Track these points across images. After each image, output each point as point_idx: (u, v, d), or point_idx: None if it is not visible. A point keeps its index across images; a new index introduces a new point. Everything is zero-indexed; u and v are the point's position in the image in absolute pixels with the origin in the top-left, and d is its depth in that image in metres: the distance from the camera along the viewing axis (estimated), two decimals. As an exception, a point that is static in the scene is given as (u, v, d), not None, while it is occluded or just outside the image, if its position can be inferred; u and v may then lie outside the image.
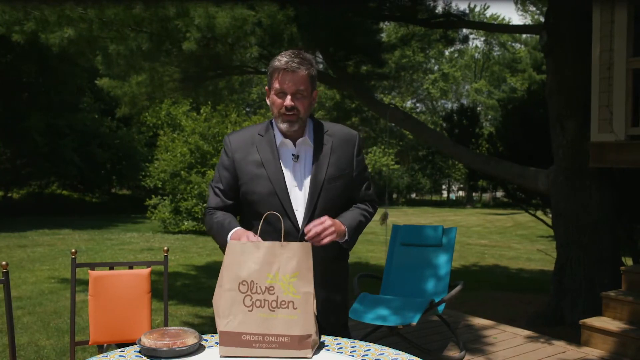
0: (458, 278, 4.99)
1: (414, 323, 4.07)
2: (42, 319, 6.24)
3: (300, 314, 1.87)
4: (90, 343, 2.77)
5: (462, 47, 39.89)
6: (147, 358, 1.86)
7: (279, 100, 2.14)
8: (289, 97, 2.12)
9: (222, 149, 2.31)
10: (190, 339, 1.91)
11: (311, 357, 1.86)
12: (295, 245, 1.90)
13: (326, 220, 2.03)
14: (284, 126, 2.17)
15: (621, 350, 4.65)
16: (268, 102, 2.22)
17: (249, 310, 1.87)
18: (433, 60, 43.84)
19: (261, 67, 8.57)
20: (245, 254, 1.89)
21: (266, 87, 2.23)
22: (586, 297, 5.75)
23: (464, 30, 9.65)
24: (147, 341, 1.88)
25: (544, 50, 6.34)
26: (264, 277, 1.88)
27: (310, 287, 1.88)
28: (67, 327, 5.79)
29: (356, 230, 2.23)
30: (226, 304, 1.88)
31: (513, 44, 42.33)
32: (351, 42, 7.67)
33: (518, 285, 8.75)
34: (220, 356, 1.86)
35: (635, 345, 4.58)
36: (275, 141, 2.22)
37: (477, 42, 46.38)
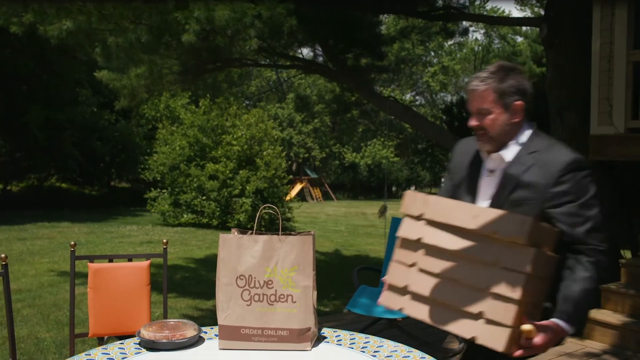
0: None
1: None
2: (42, 311, 6.25)
3: (299, 307, 1.87)
4: (89, 335, 2.77)
5: (461, 39, 39.80)
6: (147, 350, 1.85)
7: (470, 120, 2.07)
8: (475, 115, 2.05)
9: None
10: (190, 331, 1.91)
11: (310, 350, 1.86)
12: (293, 239, 1.89)
13: (532, 348, 1.78)
14: (478, 146, 2.11)
15: (622, 343, 4.66)
16: None
17: (247, 305, 1.87)
18: (433, 53, 43.73)
19: (260, 59, 8.55)
20: (243, 247, 1.89)
21: None
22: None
23: (464, 22, 9.63)
24: (147, 333, 1.88)
25: (544, 43, 6.32)
26: (262, 271, 1.87)
27: (309, 281, 1.88)
28: (67, 320, 5.79)
29: (579, 311, 1.88)
30: (224, 298, 1.88)
31: (513, 37, 42.20)
32: (351, 35, 7.66)
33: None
34: (220, 349, 1.86)
35: (636, 338, 4.59)
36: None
37: (476, 34, 46.32)
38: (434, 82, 43.36)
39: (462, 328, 1.76)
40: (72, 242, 2.87)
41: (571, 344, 4.70)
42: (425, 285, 1.84)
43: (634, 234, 6.41)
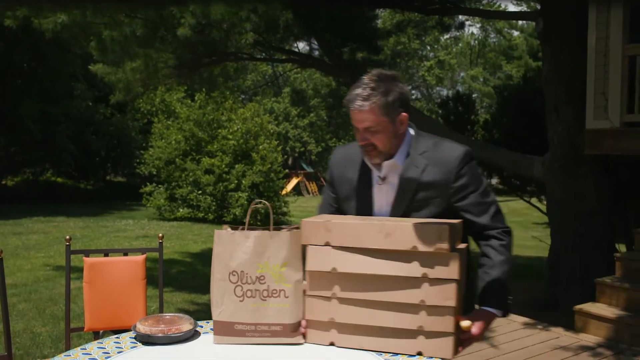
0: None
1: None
2: (38, 306, 6.24)
3: (291, 302, 1.87)
4: (85, 329, 2.77)
5: (457, 33, 39.79)
6: (142, 344, 1.86)
7: (356, 135, 2.02)
8: (361, 132, 1.98)
9: None
10: (186, 325, 1.91)
11: (303, 344, 1.87)
12: (284, 234, 1.89)
13: (471, 339, 1.88)
14: (365, 159, 2.06)
15: (616, 336, 4.68)
16: None
17: (240, 301, 1.87)
18: (429, 47, 43.71)
19: (256, 53, 8.53)
20: (234, 243, 1.89)
21: None
22: (581, 283, 5.77)
23: (460, 16, 9.61)
24: (143, 327, 1.88)
25: (541, 37, 6.32)
26: (254, 266, 1.88)
27: (300, 275, 1.88)
28: (63, 314, 5.78)
29: (504, 295, 2.01)
30: (218, 294, 1.89)
31: (509, 31, 42.18)
32: (347, 28, 7.65)
33: (513, 272, 8.77)
34: (215, 344, 1.87)
35: (630, 331, 4.61)
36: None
37: (473, 29, 46.29)
38: (430, 76, 43.34)
39: (404, 347, 1.77)
40: (68, 237, 2.87)
41: (566, 338, 4.72)
42: (351, 314, 1.80)
43: (629, 228, 6.43)
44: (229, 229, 1.91)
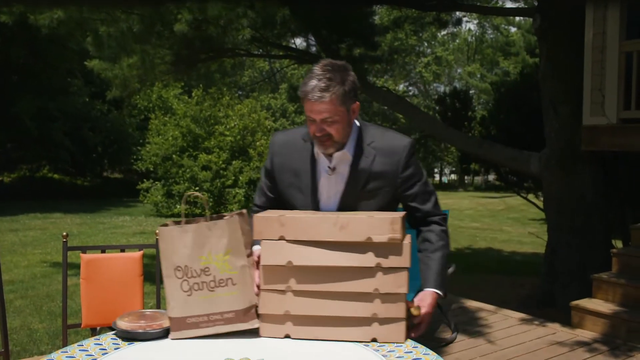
0: (450, 261, 5.02)
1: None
2: (35, 302, 6.24)
3: (240, 288, 1.88)
4: (82, 326, 2.77)
5: (455, 30, 39.80)
6: (123, 341, 1.85)
7: (310, 126, 2.01)
8: (318, 124, 1.98)
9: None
10: (167, 321, 1.91)
11: (258, 327, 1.88)
12: (222, 223, 1.89)
13: (424, 320, 1.96)
14: (319, 150, 2.06)
15: (612, 332, 4.70)
16: None
17: (187, 295, 1.88)
18: (426, 44, 43.68)
19: (253, 49, 8.52)
20: (175, 238, 1.89)
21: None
22: (577, 279, 5.79)
23: (457, 13, 9.59)
24: (123, 324, 1.88)
25: (538, 33, 6.32)
26: (196, 260, 1.88)
27: (244, 260, 1.89)
28: (60, 311, 5.78)
29: (445, 276, 2.09)
30: (168, 290, 1.89)
31: (506, 27, 42.18)
32: (344, 25, 7.63)
33: (509, 268, 8.81)
34: (171, 339, 1.87)
35: (626, 327, 4.63)
36: (314, 151, 2.10)
37: (470, 25, 46.24)
38: (427, 73, 43.31)
39: (359, 334, 1.83)
40: (65, 233, 2.86)
41: (562, 333, 4.74)
42: (307, 305, 1.84)
43: (625, 224, 6.45)
44: (172, 224, 1.92)
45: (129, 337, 1.85)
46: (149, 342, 1.85)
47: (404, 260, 1.80)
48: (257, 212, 2.14)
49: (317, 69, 1.98)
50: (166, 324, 1.90)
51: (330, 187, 2.10)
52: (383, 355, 1.72)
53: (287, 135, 2.22)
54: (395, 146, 2.08)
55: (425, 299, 1.99)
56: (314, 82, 1.95)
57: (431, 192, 2.15)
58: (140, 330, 1.85)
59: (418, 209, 2.12)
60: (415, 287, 4.34)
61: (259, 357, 1.71)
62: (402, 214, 1.91)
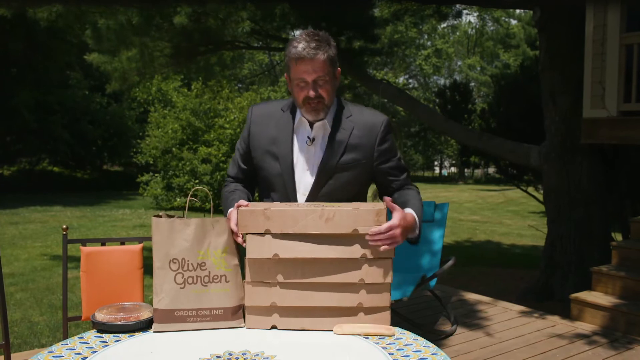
0: (450, 254, 5.02)
1: (406, 298, 4.09)
2: (35, 295, 6.25)
3: (232, 286, 1.91)
4: (82, 319, 2.77)
5: (455, 22, 39.69)
6: (104, 334, 1.85)
7: (301, 90, 2.03)
8: (310, 85, 2.00)
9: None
10: (145, 313, 1.92)
11: (244, 327, 1.89)
12: (224, 221, 1.93)
13: (395, 229, 1.83)
14: (309, 116, 2.07)
15: (611, 325, 4.71)
16: (290, 89, 2.10)
17: (180, 288, 1.89)
18: (426, 36, 43.60)
19: (253, 42, 8.49)
20: (175, 231, 1.90)
21: (285, 75, 2.11)
22: (577, 272, 5.80)
23: (457, 5, 9.56)
24: (101, 316, 1.88)
25: (538, 26, 6.30)
26: (194, 254, 1.90)
27: (237, 260, 1.93)
28: (60, 303, 5.80)
29: (421, 222, 2.05)
30: (158, 282, 1.89)
31: (507, 20, 42.09)
32: (343, 17, 7.61)
33: (509, 261, 8.82)
34: (154, 332, 1.87)
35: (626, 319, 4.64)
36: (294, 121, 2.12)
37: (470, 17, 46.13)
38: (427, 65, 43.25)
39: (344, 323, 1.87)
40: (65, 226, 2.86)
41: (561, 326, 4.75)
42: (294, 297, 1.86)
43: (625, 216, 6.46)
44: (166, 217, 1.93)
45: (105, 329, 1.85)
46: (151, 334, 1.85)
47: (390, 251, 1.83)
48: (228, 185, 2.21)
49: (302, 35, 2.02)
50: (145, 316, 1.90)
51: (309, 157, 2.12)
52: (390, 353, 1.71)
53: (266, 106, 2.23)
54: (373, 121, 2.13)
55: (402, 213, 1.90)
56: (304, 44, 1.98)
57: (405, 168, 2.21)
58: (116, 322, 1.86)
59: (394, 180, 2.18)
60: (410, 280, 4.34)
61: (242, 349, 1.71)
62: (384, 204, 1.93)
